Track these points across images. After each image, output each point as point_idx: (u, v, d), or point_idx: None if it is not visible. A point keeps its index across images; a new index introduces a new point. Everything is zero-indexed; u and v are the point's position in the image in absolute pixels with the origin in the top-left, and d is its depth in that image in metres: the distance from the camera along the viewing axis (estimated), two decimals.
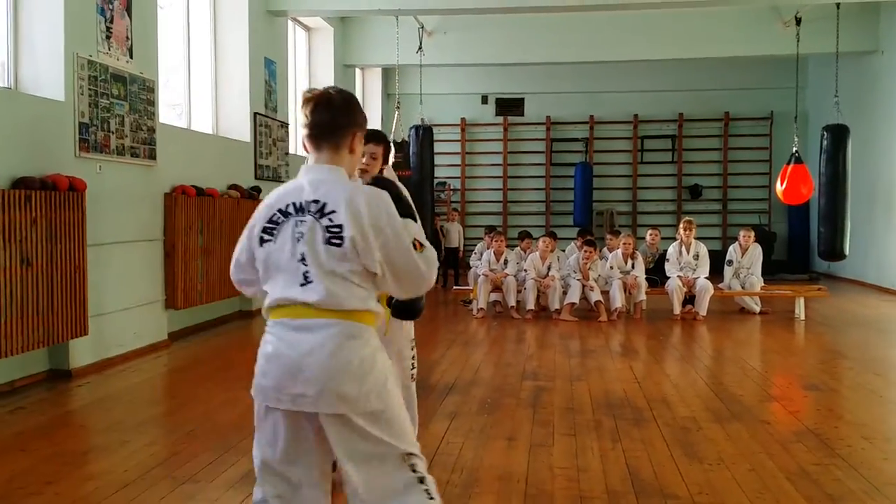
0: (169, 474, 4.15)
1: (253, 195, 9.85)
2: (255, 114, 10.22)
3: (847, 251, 10.93)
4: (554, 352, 7.77)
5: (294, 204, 2.47)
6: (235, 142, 9.89)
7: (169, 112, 9.18)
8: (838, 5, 10.94)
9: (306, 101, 2.55)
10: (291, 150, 11.70)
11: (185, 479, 4.09)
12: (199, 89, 9.81)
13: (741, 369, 7.07)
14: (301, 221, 2.43)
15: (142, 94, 7.48)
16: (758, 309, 10.47)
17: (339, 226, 2.40)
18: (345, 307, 2.41)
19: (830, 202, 10.74)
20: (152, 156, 7.67)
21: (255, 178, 10.22)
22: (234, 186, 9.48)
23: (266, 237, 2.48)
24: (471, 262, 11.72)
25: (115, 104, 7.06)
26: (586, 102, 16.97)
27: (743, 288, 10.54)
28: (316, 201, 2.45)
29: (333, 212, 2.42)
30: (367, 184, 2.98)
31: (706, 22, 12.94)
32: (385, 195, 2.54)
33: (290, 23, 12.16)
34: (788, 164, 11.26)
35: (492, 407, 5.52)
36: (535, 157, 17.31)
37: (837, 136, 10.72)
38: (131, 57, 7.34)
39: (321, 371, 2.38)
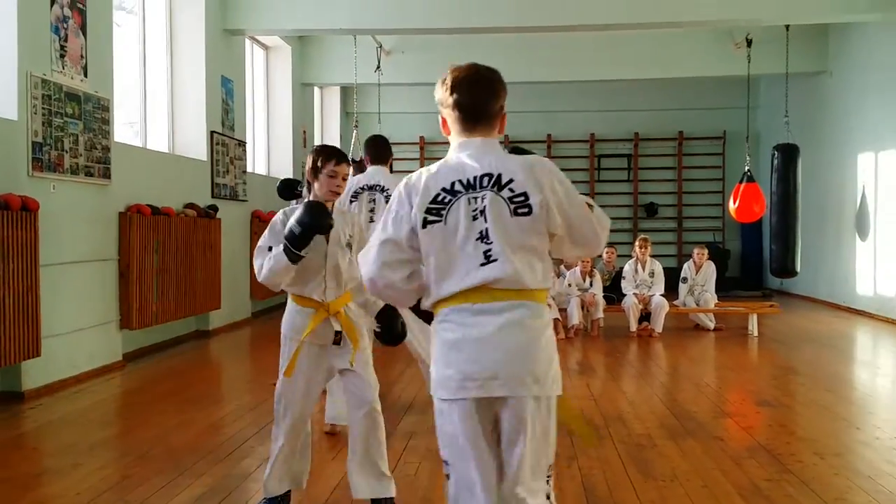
0: (121, 498, 4.09)
1: (210, 214, 9.78)
2: (212, 132, 10.16)
3: (798, 268, 11.17)
4: None
5: (461, 181, 2.35)
6: (192, 160, 9.82)
7: (126, 130, 9.10)
8: (788, 27, 11.24)
9: (458, 80, 2.44)
10: (249, 169, 11.65)
11: (137, 502, 4.03)
12: (156, 108, 9.74)
13: (696, 386, 7.17)
14: (476, 198, 2.32)
15: (96, 112, 7.40)
16: (712, 325, 10.63)
17: (524, 193, 2.32)
18: (527, 286, 2.32)
19: (782, 220, 10.98)
20: (107, 175, 7.58)
21: (212, 196, 10.15)
22: (190, 205, 9.40)
23: (432, 217, 2.33)
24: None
25: (70, 123, 6.97)
26: (544, 121, 17.14)
27: (697, 305, 10.70)
28: (489, 175, 2.34)
29: (511, 181, 2.33)
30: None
31: (660, 43, 13.19)
32: (546, 160, 2.48)
33: (247, 41, 12.14)
34: (741, 182, 11.50)
35: None
36: None
37: (788, 155, 10.98)
38: (86, 75, 7.26)
39: (514, 352, 2.31)
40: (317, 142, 15.71)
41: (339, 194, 3.69)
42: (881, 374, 8.24)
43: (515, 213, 2.31)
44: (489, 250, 2.29)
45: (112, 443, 5.36)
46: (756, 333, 10.05)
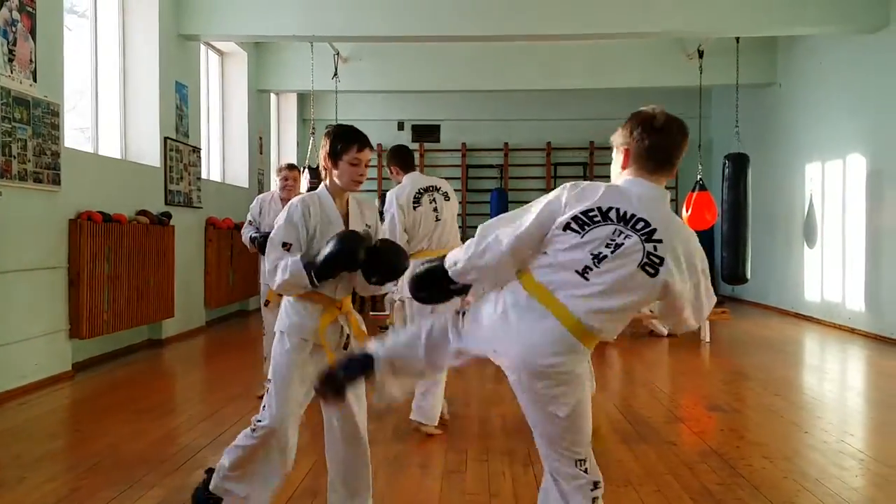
0: None
1: (163, 221, 9.64)
2: (166, 138, 10.03)
3: (748, 275, 11.37)
4: (469, 378, 7.82)
5: (618, 210, 2.45)
6: (145, 167, 9.68)
7: (78, 136, 8.95)
8: (738, 39, 11.46)
9: (661, 122, 2.57)
10: (204, 175, 11.52)
11: None
12: (108, 113, 9.58)
13: (649, 391, 7.26)
14: (623, 234, 2.43)
15: (46, 117, 7.27)
16: (666, 332, 10.77)
17: (661, 259, 2.42)
18: (590, 330, 2.48)
19: (732, 228, 11.17)
20: (56, 181, 7.44)
21: (166, 203, 10.01)
22: (143, 212, 9.27)
23: (574, 226, 2.46)
24: (387, 287, 11.69)
25: (18, 128, 6.83)
26: (501, 130, 17.25)
27: (651, 311, 10.83)
28: (645, 222, 2.44)
29: (660, 242, 2.44)
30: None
31: (614, 54, 13.38)
32: (700, 248, 2.56)
33: (202, 47, 12.02)
34: (693, 191, 11.67)
35: (406, 434, 5.52)
36: (452, 183, 17.34)
37: (738, 164, 11.18)
38: (35, 80, 7.12)
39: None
40: (273, 149, 15.60)
41: (361, 183, 3.41)
42: (828, 378, 8.42)
43: (643, 267, 2.43)
44: (590, 270, 2.44)
45: (60, 455, 5.25)
46: (708, 339, 10.21)
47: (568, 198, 2.51)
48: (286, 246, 3.26)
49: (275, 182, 7.69)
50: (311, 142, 12.01)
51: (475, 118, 17.09)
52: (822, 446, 5.35)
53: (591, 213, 2.45)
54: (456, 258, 2.71)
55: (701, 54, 12.50)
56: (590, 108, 16.83)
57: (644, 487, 4.36)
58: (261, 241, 6.60)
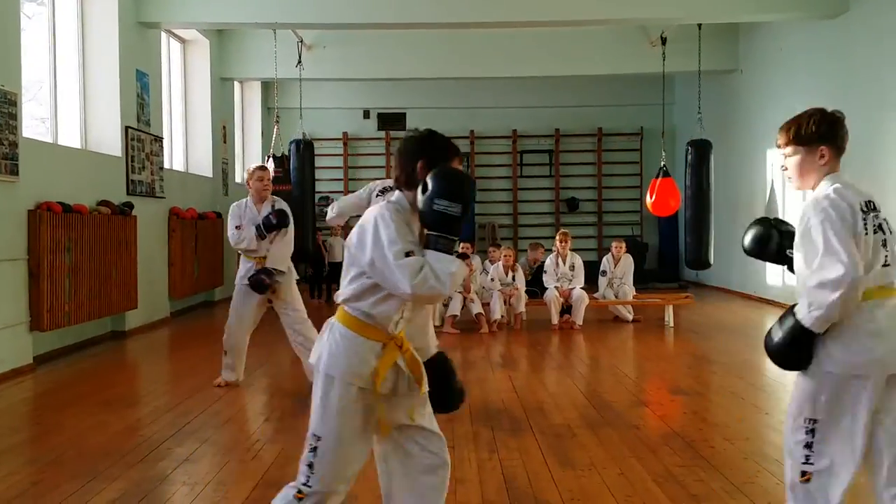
0: None
1: (125, 211, 9.52)
2: (127, 127, 9.89)
3: (712, 260, 11.50)
4: None
5: (866, 203, 2.90)
6: (105, 156, 9.54)
7: (39, 126, 8.79)
8: (700, 26, 11.55)
9: (842, 121, 3.01)
10: (167, 165, 11.38)
11: None
12: (67, 102, 9.42)
13: (614, 376, 7.34)
14: (879, 216, 2.92)
15: (3, 107, 7.13)
16: (630, 317, 10.88)
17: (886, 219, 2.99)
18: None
19: (695, 214, 11.27)
20: (14, 171, 7.31)
21: (128, 193, 9.88)
22: (104, 202, 9.14)
23: (867, 227, 2.88)
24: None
25: None
26: (467, 117, 17.23)
27: (616, 297, 10.94)
28: (873, 202, 2.94)
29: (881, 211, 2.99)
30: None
31: (578, 41, 13.42)
32: None
33: (163, 35, 11.84)
34: (657, 177, 11.76)
35: None
36: None
37: (701, 150, 11.28)
38: None
39: None
40: (237, 138, 15.45)
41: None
42: None
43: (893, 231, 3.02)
44: (888, 255, 2.93)
45: (21, 448, 5.18)
46: (672, 324, 10.33)
47: (844, 213, 2.86)
48: (410, 254, 2.64)
49: (241, 177, 7.60)
50: (275, 130, 11.90)
51: (441, 106, 17.05)
52: (781, 427, 5.40)
53: (863, 214, 2.89)
54: None
55: (664, 41, 12.57)
56: (555, 96, 16.89)
57: (607, 471, 4.41)
58: (267, 225, 6.58)
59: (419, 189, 2.73)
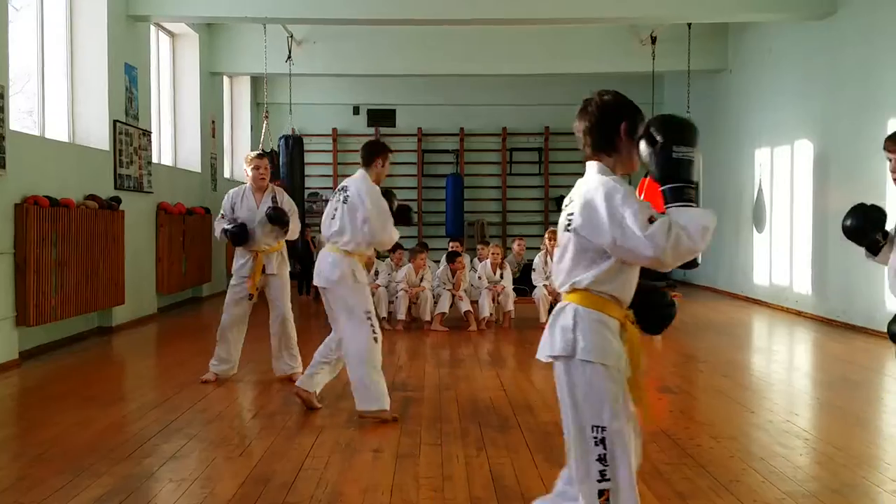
0: (15, 500, 3.94)
1: (112, 206, 9.46)
2: (115, 121, 9.84)
3: (699, 259, 11.52)
4: (424, 362, 7.84)
5: None
6: (93, 150, 9.48)
7: (26, 119, 8.73)
8: (689, 25, 11.59)
9: None
10: (155, 160, 11.32)
11: None
12: (55, 96, 9.36)
13: None
14: None
15: None
16: None
17: None
18: None
19: None
20: (1, 164, 7.26)
21: (115, 187, 9.82)
22: (91, 196, 9.08)
23: None
24: None
25: None
26: (457, 115, 17.24)
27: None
28: None
29: None
30: None
31: (568, 39, 13.44)
32: None
33: (152, 28, 11.78)
34: (646, 176, 11.78)
35: (359, 419, 5.51)
36: (408, 168, 17.41)
37: None
38: None
39: None
40: (226, 133, 15.39)
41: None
42: (775, 360, 8.61)
43: None
44: None
45: (6, 444, 5.14)
46: None
47: None
48: (652, 220, 2.56)
49: (236, 167, 7.63)
50: (264, 125, 11.88)
51: (431, 103, 17.06)
52: (767, 426, 5.47)
53: None
54: None
55: (654, 40, 12.61)
56: (545, 94, 16.88)
57: None
58: (233, 233, 6.58)
59: (642, 143, 2.66)
